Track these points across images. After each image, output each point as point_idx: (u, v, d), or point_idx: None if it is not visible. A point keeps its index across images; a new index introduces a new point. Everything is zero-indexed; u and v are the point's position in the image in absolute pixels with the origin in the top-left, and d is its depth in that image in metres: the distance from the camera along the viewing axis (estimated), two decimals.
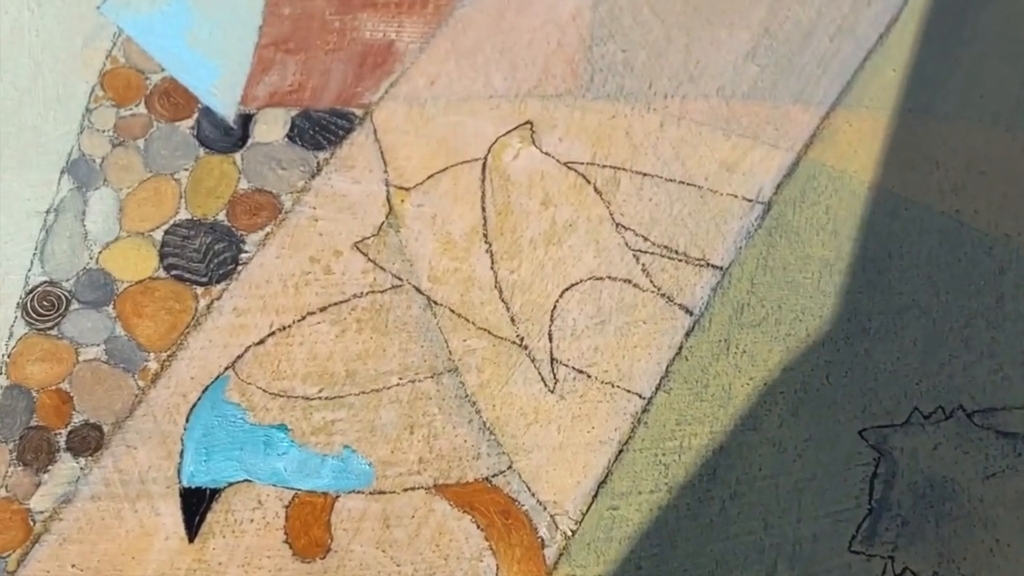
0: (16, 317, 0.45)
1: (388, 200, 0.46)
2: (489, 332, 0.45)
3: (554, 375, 0.44)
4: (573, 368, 0.45)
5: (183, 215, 0.45)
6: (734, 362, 0.45)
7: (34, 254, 0.45)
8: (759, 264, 0.47)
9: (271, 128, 0.47)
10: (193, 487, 0.42)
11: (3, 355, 0.44)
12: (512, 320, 0.45)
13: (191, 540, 0.41)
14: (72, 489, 0.42)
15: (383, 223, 0.45)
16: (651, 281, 0.46)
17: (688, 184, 0.48)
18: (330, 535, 0.41)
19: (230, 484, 0.42)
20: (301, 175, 0.46)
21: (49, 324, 0.45)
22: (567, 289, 0.45)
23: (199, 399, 0.44)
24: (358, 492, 0.42)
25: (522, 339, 0.45)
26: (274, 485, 0.42)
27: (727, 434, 0.44)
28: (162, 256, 0.45)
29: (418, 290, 0.44)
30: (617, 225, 0.45)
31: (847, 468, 0.43)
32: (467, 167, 0.46)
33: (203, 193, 0.45)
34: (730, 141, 0.49)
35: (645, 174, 0.48)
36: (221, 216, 0.46)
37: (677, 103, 0.49)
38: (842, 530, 0.43)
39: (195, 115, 0.46)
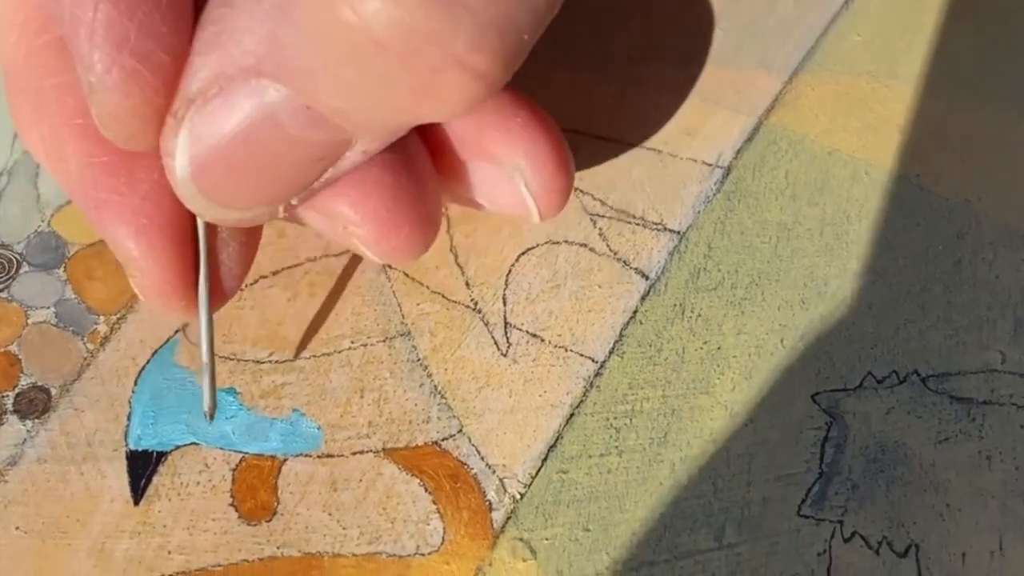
0: None
1: None
2: (443, 296, 0.45)
3: (507, 339, 0.44)
4: (527, 332, 0.44)
5: None
6: (688, 326, 0.45)
7: None
8: (716, 228, 0.47)
9: None
10: (140, 450, 0.42)
11: None
12: (466, 284, 0.45)
13: (136, 503, 0.41)
14: (18, 451, 0.42)
15: None
16: (607, 245, 0.46)
17: (647, 149, 0.48)
18: (277, 498, 0.41)
19: (177, 447, 0.42)
20: None
21: None
22: (523, 253, 0.45)
23: (148, 362, 0.43)
24: (306, 455, 0.42)
25: (476, 303, 0.45)
26: (222, 448, 0.42)
27: (679, 398, 0.43)
28: None
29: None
30: (576, 189, 0.44)
31: (799, 432, 0.43)
32: None
33: None
34: (691, 105, 0.48)
35: (604, 138, 0.48)
36: None
37: (638, 68, 0.48)
38: (792, 494, 0.42)
39: None
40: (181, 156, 0.29)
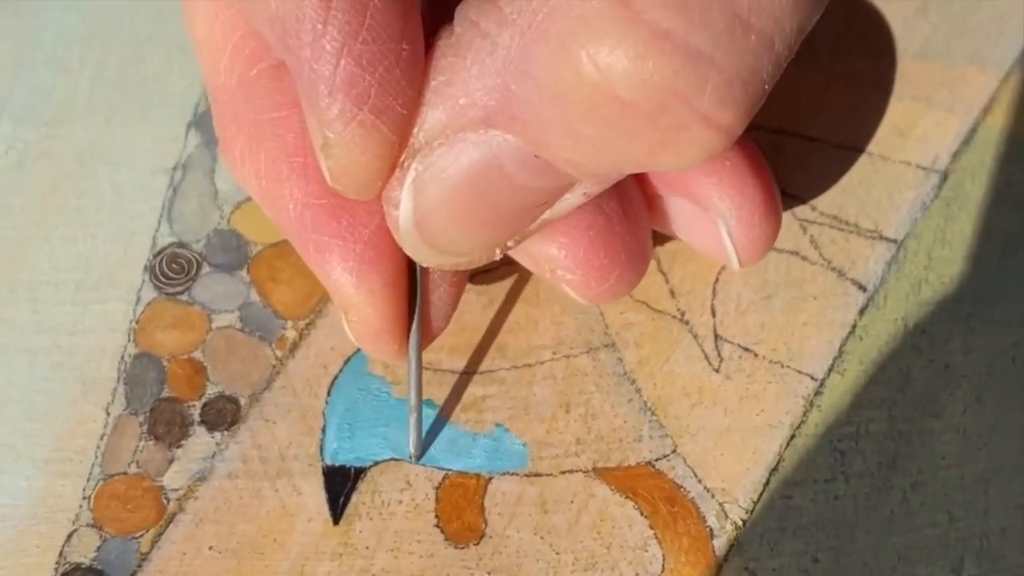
0: (144, 281, 0.42)
1: None
2: (647, 305, 0.42)
3: (718, 353, 0.41)
4: (739, 346, 0.42)
5: None
6: (912, 342, 0.42)
7: (161, 214, 0.43)
8: (936, 237, 0.44)
9: None
10: (337, 465, 0.39)
11: (131, 321, 0.41)
12: (671, 293, 0.43)
13: (336, 522, 0.38)
14: (207, 466, 0.39)
15: None
16: (820, 254, 0.43)
17: (857, 150, 0.45)
18: (484, 519, 0.38)
19: (376, 463, 0.39)
20: None
21: (179, 288, 0.42)
22: None
23: (340, 371, 0.41)
24: (512, 474, 0.39)
25: (683, 313, 0.42)
26: (423, 465, 0.39)
27: (906, 420, 0.40)
28: None
29: None
30: (784, 193, 0.40)
31: None
32: None
33: None
34: (902, 104, 0.46)
35: (811, 139, 0.45)
36: None
37: (843, 62, 0.46)
38: None
39: None
40: (405, 206, 0.29)
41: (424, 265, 0.32)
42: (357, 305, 0.32)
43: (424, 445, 0.39)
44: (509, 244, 0.31)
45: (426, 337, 0.35)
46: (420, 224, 0.29)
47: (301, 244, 0.32)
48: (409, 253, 0.31)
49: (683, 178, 0.34)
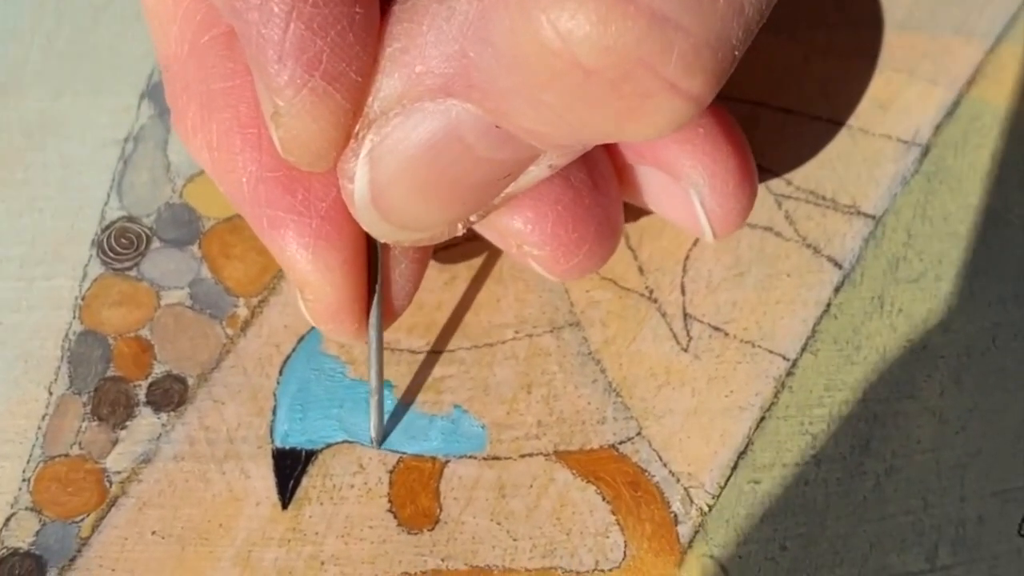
0: (91, 256, 0.41)
1: None
2: (614, 283, 0.41)
3: (687, 332, 0.40)
4: (708, 325, 0.41)
5: None
6: (889, 322, 0.41)
7: (111, 187, 0.42)
8: (916, 213, 0.43)
9: None
10: (287, 448, 0.38)
11: (77, 297, 0.40)
12: (640, 270, 0.42)
13: (285, 506, 0.37)
14: (153, 448, 0.38)
15: None
16: (795, 230, 0.42)
17: (836, 123, 0.44)
18: (439, 504, 0.38)
19: (328, 445, 0.38)
20: None
21: (127, 264, 0.41)
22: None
23: (293, 350, 0.40)
24: (470, 457, 0.38)
25: (651, 291, 0.41)
26: (377, 448, 0.38)
27: (881, 402, 0.39)
28: None
29: None
30: (758, 167, 0.39)
31: (1016, 442, 0.39)
32: None
33: None
34: (883, 76, 0.44)
35: (788, 111, 0.44)
36: None
37: (823, 32, 0.45)
38: (1012, 511, 0.38)
39: None
40: (361, 179, 0.28)
41: (383, 241, 0.31)
42: (314, 283, 0.31)
43: (386, 430, 0.39)
44: (472, 219, 0.30)
45: (387, 317, 0.34)
46: (376, 198, 0.28)
47: (255, 219, 0.31)
48: (366, 228, 0.30)
49: (653, 146, 0.33)
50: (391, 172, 0.28)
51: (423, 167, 0.27)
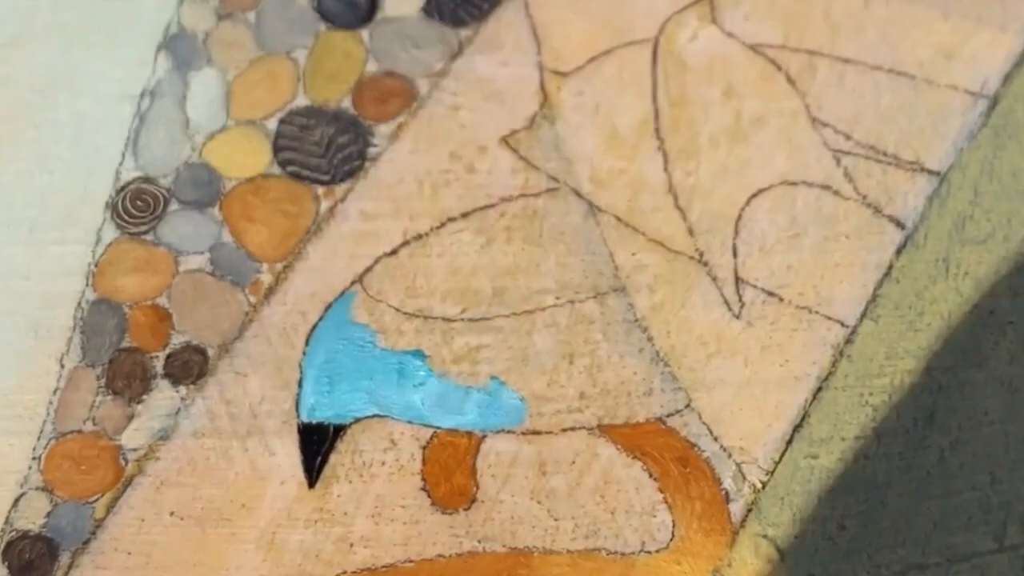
0: (105, 219, 0.40)
1: (542, 87, 0.40)
2: (662, 245, 0.40)
3: (740, 297, 0.39)
4: (762, 290, 0.39)
5: (301, 101, 0.40)
6: (954, 285, 0.39)
7: (126, 145, 0.40)
8: (984, 170, 0.41)
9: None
10: (314, 423, 0.37)
11: (90, 264, 0.39)
12: (690, 231, 0.40)
13: (311, 485, 0.37)
14: (171, 423, 0.37)
15: (536, 114, 0.40)
16: (855, 188, 0.40)
17: (899, 73, 0.42)
18: (475, 482, 0.37)
19: (357, 420, 0.37)
20: (439, 56, 0.41)
21: (143, 228, 0.40)
22: (754, 196, 0.40)
23: (320, 319, 0.39)
24: (508, 432, 0.37)
25: (701, 254, 0.40)
26: (409, 422, 0.37)
27: (946, 371, 0.38)
28: (276, 149, 0.40)
29: (578, 194, 0.39)
30: (814, 120, 0.40)
31: None
32: (635, 49, 0.40)
33: (324, 76, 0.40)
34: (948, 23, 0.42)
35: (847, 60, 0.42)
36: (345, 103, 0.40)
37: None
38: None
39: None
40: None
41: None
42: None
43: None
44: None
45: None
46: None
47: None
48: None
49: None
50: None
51: None
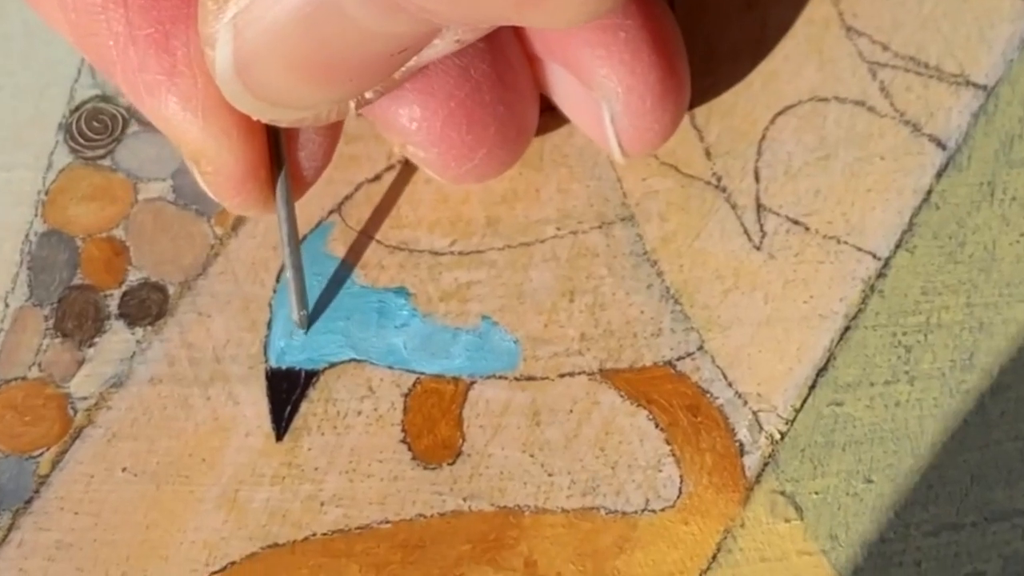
0: (57, 142, 0.38)
1: None
2: (676, 169, 0.38)
3: (761, 226, 0.37)
4: (786, 218, 0.37)
5: None
6: (1000, 212, 0.37)
7: (82, 61, 0.39)
8: None
9: None
10: (283, 368, 0.36)
11: (39, 192, 0.37)
12: (707, 153, 0.38)
13: (279, 438, 0.35)
14: (125, 369, 0.35)
15: None
16: (891, 104, 0.38)
17: None
18: (462, 434, 0.35)
19: (332, 365, 0.35)
20: None
21: (100, 152, 0.38)
22: (780, 113, 0.38)
23: None
24: (500, 377, 0.35)
25: (719, 178, 0.38)
26: (390, 367, 0.36)
27: (989, 308, 0.36)
28: None
29: None
30: (848, 29, 0.38)
31: None
32: None
33: None
34: None
35: None
36: None
37: None
38: None
39: None
40: (223, 48, 0.26)
41: (255, 118, 0.28)
42: (209, 151, 0.29)
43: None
44: (368, 95, 0.28)
45: (298, 185, 0.32)
46: (241, 71, 0.26)
47: (131, 89, 0.28)
48: (232, 103, 0.27)
49: (564, 44, 0.31)
50: (258, 44, 0.25)
51: (295, 40, 0.25)
